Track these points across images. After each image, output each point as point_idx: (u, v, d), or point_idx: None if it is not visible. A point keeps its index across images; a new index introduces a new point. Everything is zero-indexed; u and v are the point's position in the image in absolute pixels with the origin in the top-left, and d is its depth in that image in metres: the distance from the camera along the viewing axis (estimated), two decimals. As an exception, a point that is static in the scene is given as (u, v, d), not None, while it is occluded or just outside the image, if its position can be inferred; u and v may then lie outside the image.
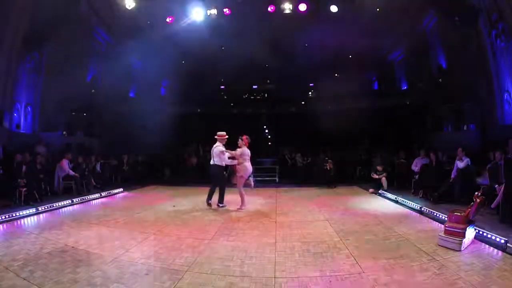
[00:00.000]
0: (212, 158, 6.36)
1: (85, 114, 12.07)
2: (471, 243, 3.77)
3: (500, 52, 8.68)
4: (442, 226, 3.97)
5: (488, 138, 9.40)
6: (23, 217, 5.38)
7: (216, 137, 6.44)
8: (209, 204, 6.32)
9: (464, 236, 3.60)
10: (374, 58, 15.15)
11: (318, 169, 10.26)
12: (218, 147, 6.32)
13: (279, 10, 11.62)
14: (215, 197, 6.40)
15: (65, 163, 8.13)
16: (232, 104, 17.30)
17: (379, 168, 8.65)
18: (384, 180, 8.37)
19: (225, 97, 18.19)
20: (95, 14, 11.79)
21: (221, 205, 6.32)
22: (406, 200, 6.60)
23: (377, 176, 8.52)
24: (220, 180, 6.38)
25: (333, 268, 3.21)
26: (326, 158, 10.16)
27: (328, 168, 9.71)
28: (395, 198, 7.04)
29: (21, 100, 9.87)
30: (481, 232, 4.00)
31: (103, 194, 7.93)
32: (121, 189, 8.75)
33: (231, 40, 12.56)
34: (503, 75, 8.71)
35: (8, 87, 9.21)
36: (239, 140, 6.45)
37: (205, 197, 6.47)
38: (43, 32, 9.79)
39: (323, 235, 4.43)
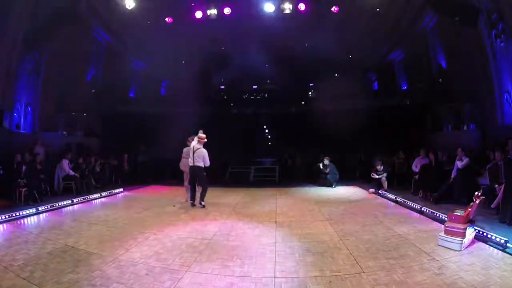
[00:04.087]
0: (192, 160, 6.41)
1: (85, 114, 12.06)
2: (471, 243, 3.77)
3: (500, 52, 8.66)
4: (442, 226, 3.97)
5: (488, 138, 9.39)
6: (23, 217, 5.38)
7: (199, 139, 6.52)
8: (193, 204, 6.44)
9: (464, 236, 3.60)
10: (374, 58, 15.14)
11: (318, 169, 10.25)
12: (201, 149, 6.47)
13: (279, 10, 11.62)
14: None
15: (65, 163, 8.13)
16: (232, 104, 17.29)
17: (379, 168, 8.64)
18: (384, 180, 8.37)
19: (225, 97, 18.17)
20: (95, 14, 11.78)
21: (203, 203, 6.46)
22: (406, 200, 6.59)
23: (377, 176, 8.52)
24: (204, 180, 6.55)
25: (333, 268, 3.21)
26: (326, 157, 10.14)
27: (322, 167, 9.75)
28: (395, 198, 7.04)
29: (21, 100, 9.85)
30: (481, 232, 4.00)
31: (103, 194, 7.92)
32: (121, 189, 8.74)
33: (231, 40, 12.56)
34: (503, 75, 8.69)
35: (8, 87, 9.20)
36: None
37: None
38: (43, 32, 9.79)
39: (323, 235, 4.43)
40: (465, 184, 6.25)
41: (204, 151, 6.47)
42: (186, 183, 6.95)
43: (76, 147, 10.75)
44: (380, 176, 8.45)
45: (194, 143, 6.52)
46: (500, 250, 3.57)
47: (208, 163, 6.50)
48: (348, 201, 7.20)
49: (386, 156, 10.23)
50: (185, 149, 6.89)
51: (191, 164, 6.46)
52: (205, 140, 6.60)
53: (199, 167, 6.43)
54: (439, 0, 10.19)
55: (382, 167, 8.65)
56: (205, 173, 6.61)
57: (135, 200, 7.46)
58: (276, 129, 17.18)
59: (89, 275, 2.99)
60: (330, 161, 9.91)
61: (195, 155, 6.42)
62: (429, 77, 12.86)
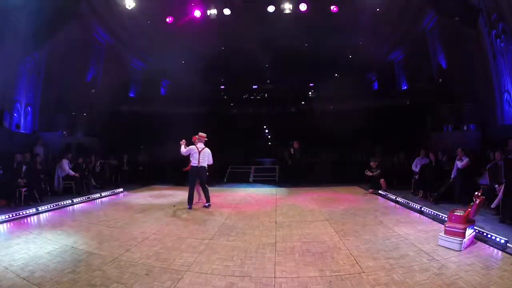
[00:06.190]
0: (198, 160, 6.30)
1: (85, 114, 12.07)
2: (471, 243, 3.78)
3: (500, 52, 8.66)
4: (442, 226, 3.97)
5: (488, 138, 9.38)
6: (23, 217, 5.38)
7: (200, 137, 6.46)
8: (191, 208, 6.28)
9: (464, 236, 3.60)
10: (374, 58, 15.15)
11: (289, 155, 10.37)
12: (206, 149, 6.44)
13: (279, 10, 11.61)
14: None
15: (65, 163, 8.13)
16: (232, 104, 17.30)
17: (372, 164, 8.58)
18: (383, 181, 8.33)
19: (225, 97, 18.18)
20: (95, 14, 11.78)
21: (208, 204, 6.46)
22: (406, 200, 6.60)
23: (370, 174, 8.47)
24: (206, 181, 6.55)
25: (333, 268, 3.21)
26: (295, 141, 10.36)
27: (292, 152, 9.85)
28: (395, 198, 7.04)
29: (21, 100, 9.85)
30: (481, 232, 4.00)
31: (103, 194, 7.93)
32: (121, 189, 8.75)
33: (231, 40, 12.56)
34: (503, 75, 8.69)
35: (8, 87, 9.21)
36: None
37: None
38: (43, 32, 9.78)
39: (323, 235, 4.44)
40: (465, 184, 6.26)
41: (209, 151, 6.48)
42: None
43: (76, 147, 10.74)
44: (374, 174, 8.38)
45: (198, 143, 6.45)
46: (500, 250, 3.58)
47: (211, 162, 6.54)
48: (348, 201, 7.20)
49: (386, 156, 10.23)
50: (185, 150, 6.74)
51: (195, 164, 6.32)
52: (206, 138, 6.57)
53: (204, 167, 6.42)
54: (439, 0, 10.19)
55: (376, 164, 8.58)
56: (207, 173, 6.60)
57: (135, 200, 7.46)
58: (276, 129, 17.18)
59: (89, 275, 2.99)
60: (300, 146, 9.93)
61: (200, 155, 6.35)
62: (429, 77, 12.86)
